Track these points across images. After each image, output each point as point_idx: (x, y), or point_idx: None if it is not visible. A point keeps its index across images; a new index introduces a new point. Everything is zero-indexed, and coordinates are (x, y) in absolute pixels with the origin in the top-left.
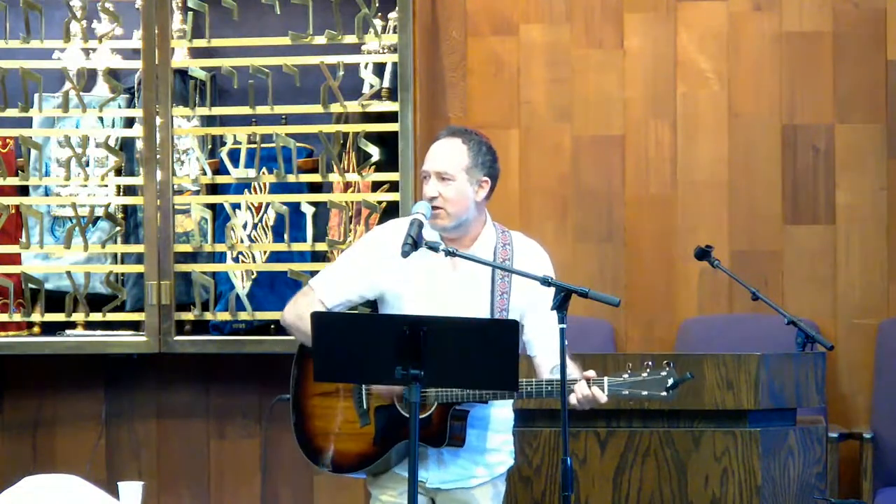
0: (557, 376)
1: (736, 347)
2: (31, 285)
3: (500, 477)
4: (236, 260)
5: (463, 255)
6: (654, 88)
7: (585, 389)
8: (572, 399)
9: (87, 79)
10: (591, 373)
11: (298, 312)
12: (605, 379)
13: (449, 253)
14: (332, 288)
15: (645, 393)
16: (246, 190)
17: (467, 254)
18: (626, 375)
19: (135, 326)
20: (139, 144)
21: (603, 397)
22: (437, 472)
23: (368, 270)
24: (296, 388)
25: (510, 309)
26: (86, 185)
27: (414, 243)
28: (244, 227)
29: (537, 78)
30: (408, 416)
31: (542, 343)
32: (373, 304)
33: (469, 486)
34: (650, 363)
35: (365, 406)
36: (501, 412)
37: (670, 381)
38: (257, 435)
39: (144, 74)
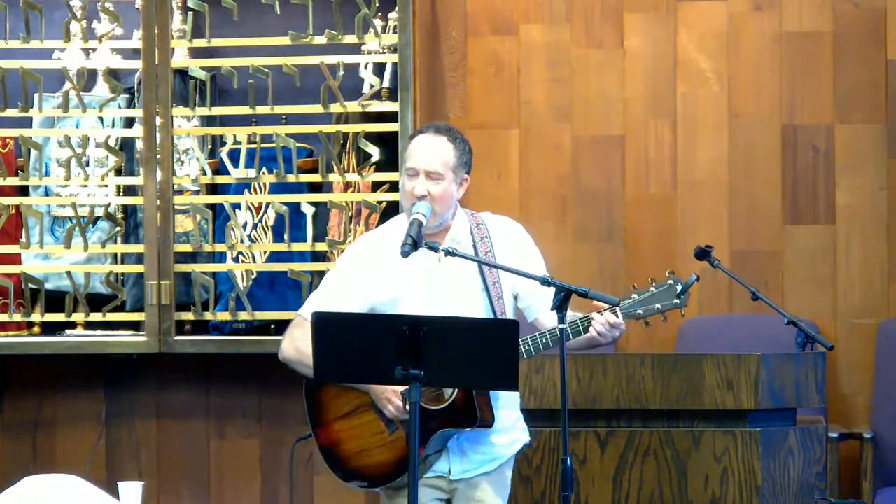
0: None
1: (736, 347)
2: (31, 285)
3: (512, 458)
4: (236, 260)
5: (463, 256)
6: (654, 88)
7: (602, 318)
8: (593, 332)
9: (87, 79)
10: (601, 305)
11: (298, 347)
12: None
13: (449, 253)
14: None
15: (658, 306)
16: (246, 190)
17: (468, 254)
18: (634, 296)
19: (135, 326)
20: (139, 144)
21: (619, 321)
22: (461, 464)
23: (359, 287)
24: (314, 423)
25: (503, 287)
26: (86, 185)
27: (414, 243)
28: (244, 227)
29: (537, 78)
30: (434, 408)
31: (542, 304)
32: None
33: (491, 470)
34: (653, 279)
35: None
36: None
37: (679, 287)
38: (257, 435)
39: (144, 74)
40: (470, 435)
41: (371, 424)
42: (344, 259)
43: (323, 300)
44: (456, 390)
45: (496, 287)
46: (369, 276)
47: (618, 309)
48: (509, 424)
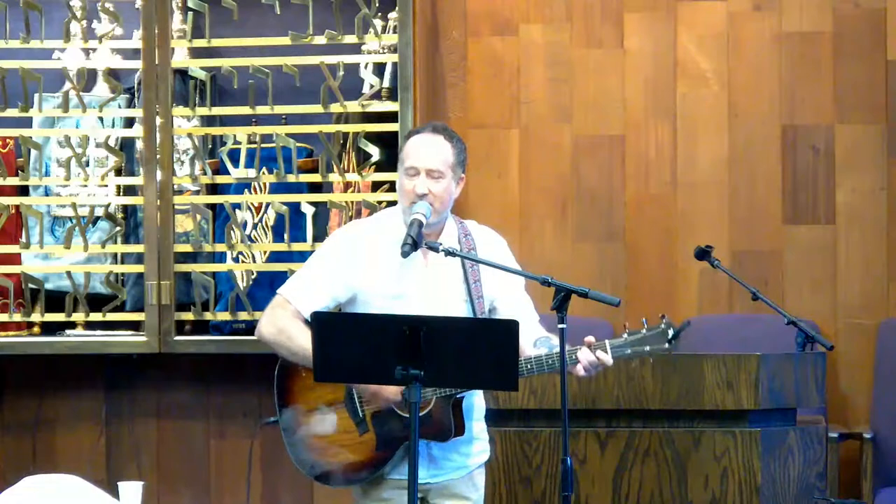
0: (542, 350)
1: (736, 347)
2: (31, 285)
3: (481, 467)
4: (236, 260)
5: (464, 256)
6: (654, 88)
7: (590, 355)
8: (578, 368)
9: (87, 79)
10: (590, 338)
11: (279, 326)
12: (607, 342)
13: (449, 253)
14: (308, 296)
15: (647, 348)
16: (246, 190)
17: (467, 254)
18: (625, 335)
19: (135, 326)
20: (139, 144)
21: (608, 359)
22: (429, 469)
23: (342, 272)
24: (283, 408)
25: (484, 296)
26: (86, 185)
27: (414, 243)
28: (244, 227)
29: (537, 78)
30: (408, 416)
31: (519, 318)
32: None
33: (457, 478)
34: (645, 320)
35: (361, 414)
36: (479, 400)
37: (671, 332)
38: (257, 435)
39: (144, 74)
40: (440, 443)
41: (341, 422)
42: (330, 245)
43: (299, 289)
44: (432, 403)
45: (480, 302)
46: (353, 270)
47: (608, 346)
48: (477, 434)
